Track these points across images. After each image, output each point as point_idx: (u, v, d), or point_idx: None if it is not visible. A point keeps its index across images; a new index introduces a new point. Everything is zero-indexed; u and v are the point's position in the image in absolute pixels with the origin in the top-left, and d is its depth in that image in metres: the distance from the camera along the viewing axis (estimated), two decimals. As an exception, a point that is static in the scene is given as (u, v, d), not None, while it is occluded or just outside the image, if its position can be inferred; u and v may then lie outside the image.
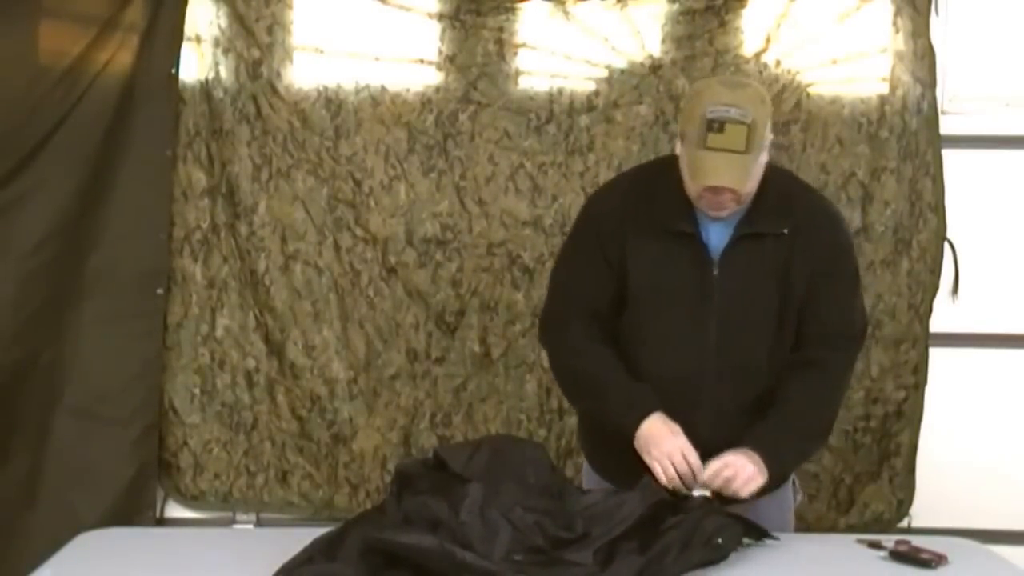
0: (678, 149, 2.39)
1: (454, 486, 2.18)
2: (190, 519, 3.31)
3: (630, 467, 2.41)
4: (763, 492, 2.42)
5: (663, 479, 2.33)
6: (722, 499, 2.36)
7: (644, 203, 2.46)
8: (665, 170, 2.49)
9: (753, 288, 2.43)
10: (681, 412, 2.41)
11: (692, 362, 2.42)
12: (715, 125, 2.27)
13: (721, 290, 2.41)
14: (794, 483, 2.64)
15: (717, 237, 2.42)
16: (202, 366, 3.27)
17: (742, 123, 2.27)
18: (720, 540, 2.19)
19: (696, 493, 2.35)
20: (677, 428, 2.37)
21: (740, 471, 2.34)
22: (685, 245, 2.42)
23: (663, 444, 2.36)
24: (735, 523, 2.26)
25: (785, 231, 2.42)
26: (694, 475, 2.33)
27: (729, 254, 2.42)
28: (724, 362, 2.41)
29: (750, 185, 2.35)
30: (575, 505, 2.22)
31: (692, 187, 2.36)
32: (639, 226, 2.44)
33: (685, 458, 2.33)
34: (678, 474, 2.33)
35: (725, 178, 2.29)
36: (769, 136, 2.37)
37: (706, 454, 2.39)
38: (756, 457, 2.37)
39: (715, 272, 2.41)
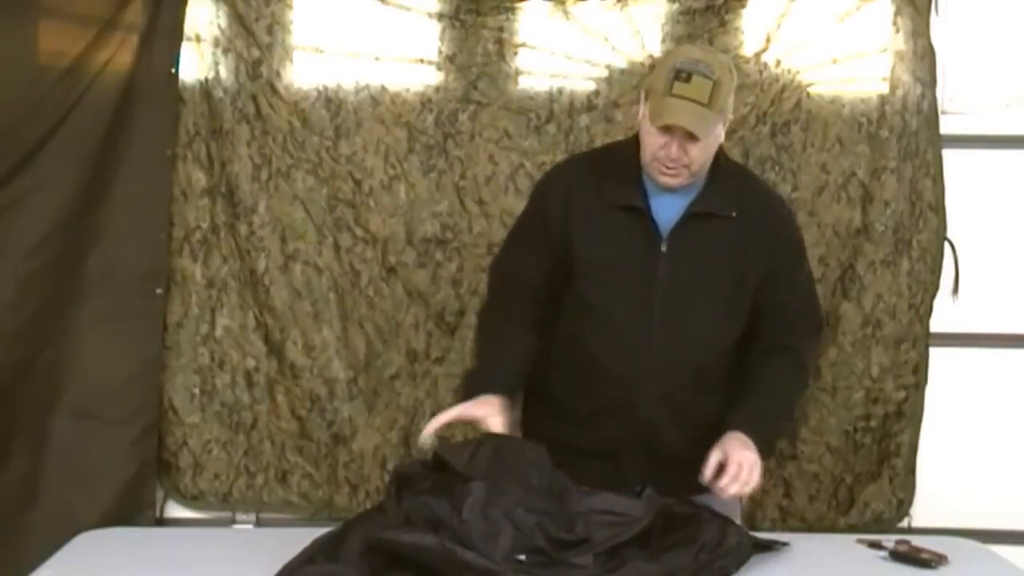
0: (641, 114, 2.44)
1: (455, 485, 2.18)
2: (190, 519, 3.30)
3: (569, 466, 2.40)
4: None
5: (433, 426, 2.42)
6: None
7: (593, 179, 2.50)
8: (615, 150, 2.58)
9: (702, 268, 2.46)
10: (623, 384, 2.44)
11: (636, 337, 2.44)
12: (683, 75, 2.34)
13: (668, 266, 2.44)
14: None
15: (666, 214, 2.46)
16: (202, 366, 3.27)
17: (709, 78, 2.33)
18: (733, 571, 2.20)
19: None
20: (491, 402, 2.41)
21: (752, 471, 2.34)
22: (633, 220, 2.46)
23: (478, 407, 2.41)
24: (749, 547, 2.27)
25: (734, 214, 2.47)
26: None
27: (678, 231, 2.45)
28: (667, 339, 2.44)
29: (704, 152, 2.40)
30: (577, 507, 2.22)
31: (651, 142, 2.40)
32: (586, 201, 2.47)
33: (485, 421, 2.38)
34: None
35: (685, 119, 2.33)
36: (729, 113, 2.44)
37: (646, 431, 2.41)
38: (750, 443, 2.39)
39: (663, 248, 2.44)
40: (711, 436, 2.40)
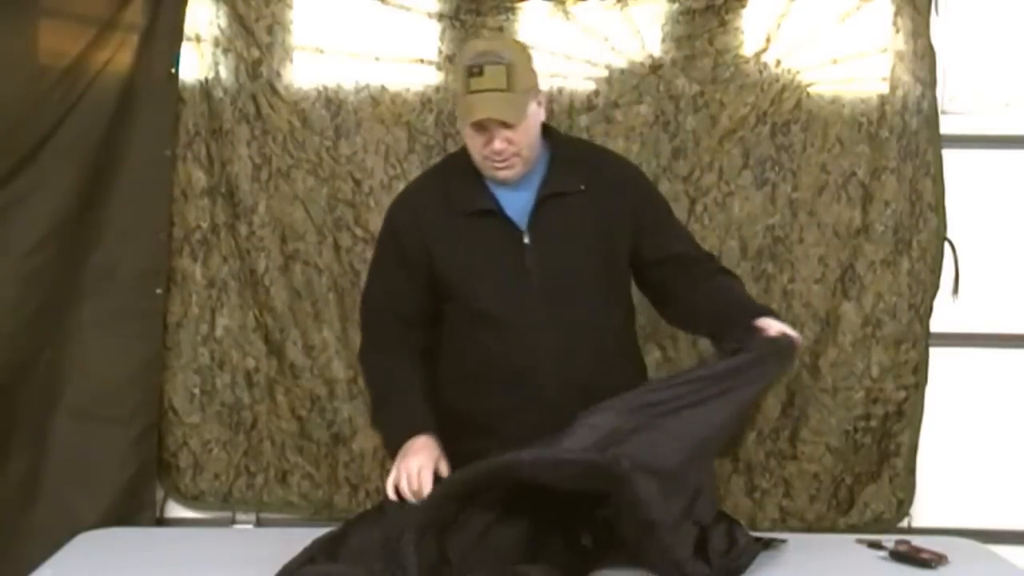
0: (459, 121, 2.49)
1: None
2: (190, 519, 3.30)
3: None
4: None
5: (389, 488, 2.36)
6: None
7: (439, 195, 2.52)
8: (453, 161, 2.61)
9: (568, 249, 2.47)
10: (525, 382, 2.43)
11: (527, 333, 2.44)
12: (475, 70, 2.38)
13: (535, 257, 2.45)
14: None
15: (518, 207, 2.48)
16: (202, 366, 3.27)
17: (500, 63, 2.37)
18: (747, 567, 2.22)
19: None
20: (434, 446, 2.40)
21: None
22: (489, 222, 2.48)
23: (411, 457, 2.38)
24: (755, 543, 2.27)
25: (583, 187, 2.49)
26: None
27: (534, 220, 2.47)
28: (558, 327, 2.44)
29: (527, 135, 2.43)
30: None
31: (474, 144, 2.43)
32: (438, 218, 2.49)
33: (419, 474, 2.34)
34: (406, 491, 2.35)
35: (491, 110, 2.37)
36: (537, 90, 2.48)
37: (556, 422, 2.32)
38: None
39: (525, 240, 2.44)
40: None
